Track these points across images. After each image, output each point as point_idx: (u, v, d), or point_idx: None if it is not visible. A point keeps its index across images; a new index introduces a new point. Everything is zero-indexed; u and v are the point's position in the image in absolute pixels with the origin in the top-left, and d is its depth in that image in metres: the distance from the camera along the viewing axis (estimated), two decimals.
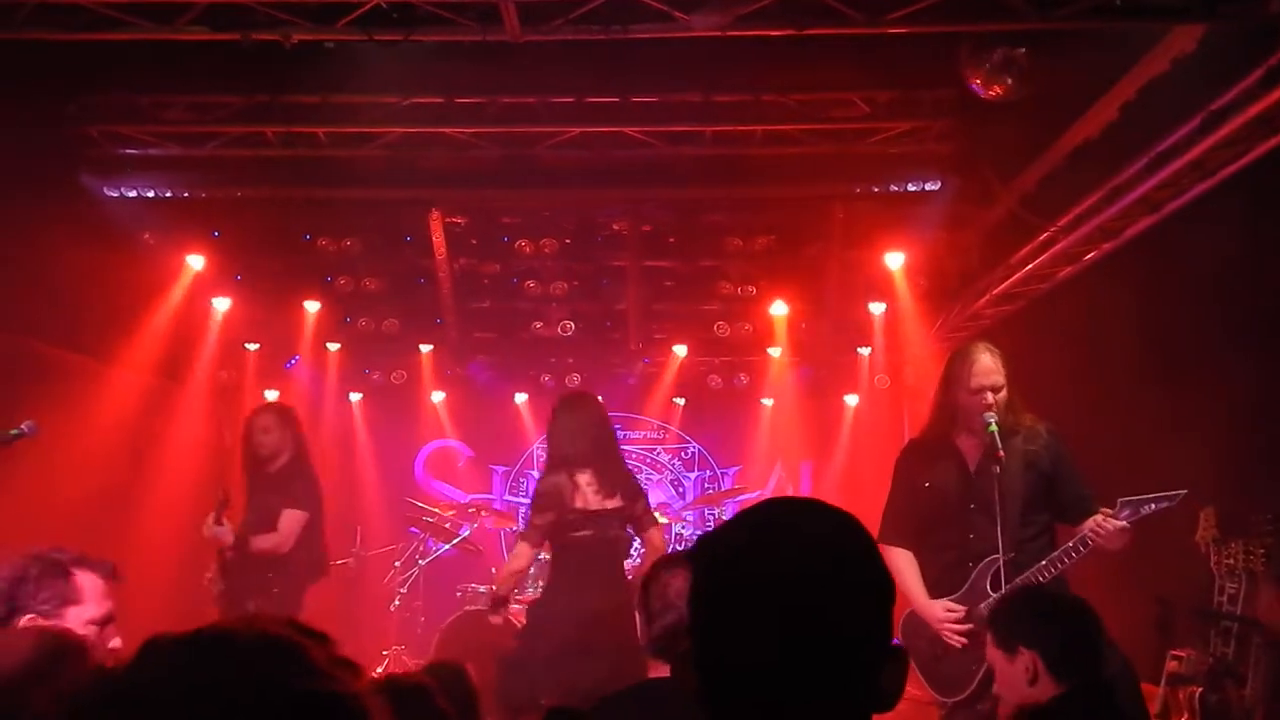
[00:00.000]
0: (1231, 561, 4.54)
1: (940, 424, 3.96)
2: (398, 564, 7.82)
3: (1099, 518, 3.64)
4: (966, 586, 3.76)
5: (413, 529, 7.89)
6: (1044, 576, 3.65)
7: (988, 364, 3.79)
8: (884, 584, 1.20)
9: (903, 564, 3.81)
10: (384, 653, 7.27)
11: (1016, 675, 2.59)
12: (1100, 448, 5.89)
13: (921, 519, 3.91)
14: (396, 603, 7.48)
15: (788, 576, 1.16)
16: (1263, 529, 4.38)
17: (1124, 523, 3.58)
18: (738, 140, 5.95)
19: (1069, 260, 5.90)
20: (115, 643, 2.41)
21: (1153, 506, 3.61)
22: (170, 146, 5.93)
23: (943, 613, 3.72)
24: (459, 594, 7.51)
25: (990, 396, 3.75)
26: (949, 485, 3.87)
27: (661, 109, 5.75)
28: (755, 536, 1.22)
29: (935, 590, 3.80)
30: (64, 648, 2.03)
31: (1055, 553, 3.70)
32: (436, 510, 8.21)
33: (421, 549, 7.74)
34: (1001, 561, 3.63)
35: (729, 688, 1.16)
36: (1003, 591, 3.55)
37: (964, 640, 3.67)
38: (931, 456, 3.95)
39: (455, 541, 7.60)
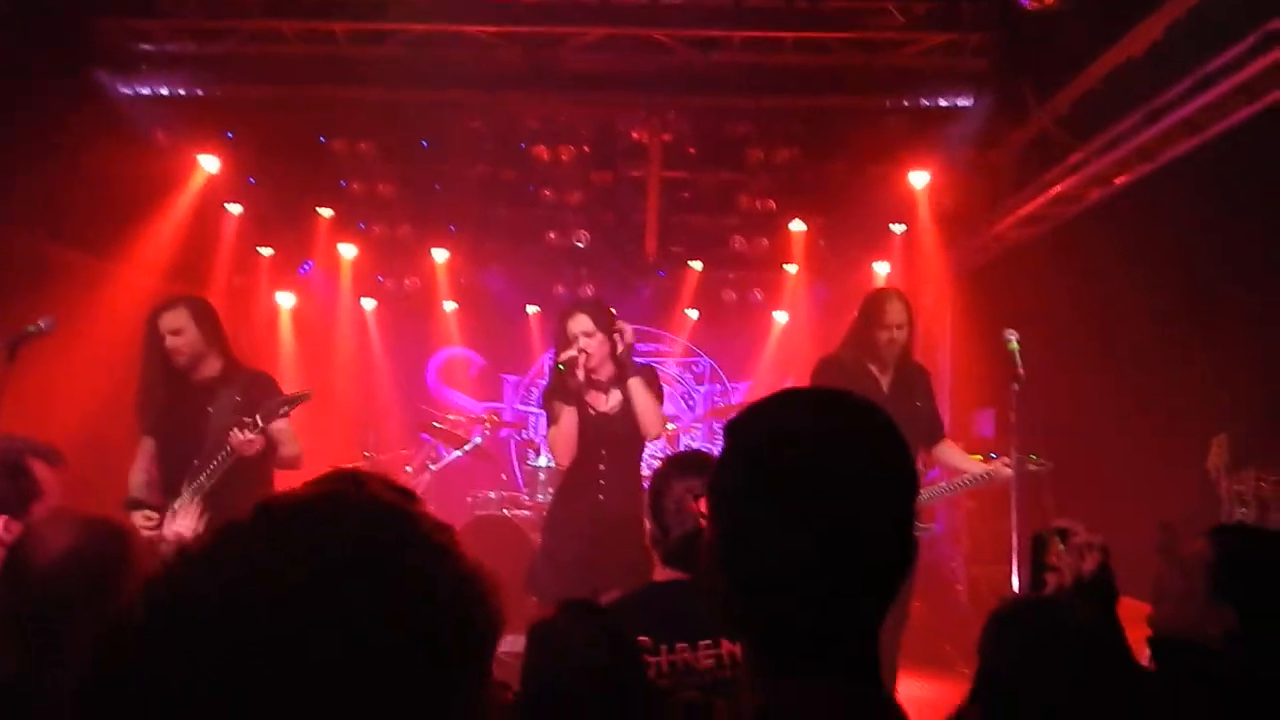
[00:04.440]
0: (1242, 488, 4.58)
1: (853, 349, 4.61)
2: (409, 469, 7.88)
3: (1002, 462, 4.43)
4: None
5: (424, 435, 7.93)
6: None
7: (897, 309, 4.53)
8: (917, 481, 1.19)
9: None
10: None
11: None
12: (1114, 374, 5.90)
13: None
14: None
15: (851, 468, 1.12)
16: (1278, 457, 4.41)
17: (1010, 472, 4.33)
18: (767, 47, 5.78)
19: (1100, 183, 5.81)
20: None
21: (1032, 468, 4.43)
22: (185, 43, 5.78)
23: None
24: (470, 500, 7.60)
25: (898, 334, 4.50)
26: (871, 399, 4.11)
27: (690, 12, 5.58)
28: (814, 426, 1.16)
29: None
30: (120, 532, 2.01)
31: (958, 479, 4.59)
32: (449, 417, 8.25)
33: (433, 455, 7.79)
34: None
35: (768, 586, 1.12)
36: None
37: None
38: (850, 375, 4.42)
39: (467, 448, 7.64)
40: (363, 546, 0.75)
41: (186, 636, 0.69)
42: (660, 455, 9.06)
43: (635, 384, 4.29)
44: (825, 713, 1.09)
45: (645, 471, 4.51)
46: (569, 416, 4.29)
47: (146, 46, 5.81)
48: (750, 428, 1.19)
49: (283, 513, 0.77)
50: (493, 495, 7.59)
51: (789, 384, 9.43)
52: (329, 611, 0.70)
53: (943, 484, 4.64)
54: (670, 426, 8.46)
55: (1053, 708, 1.67)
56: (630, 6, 5.54)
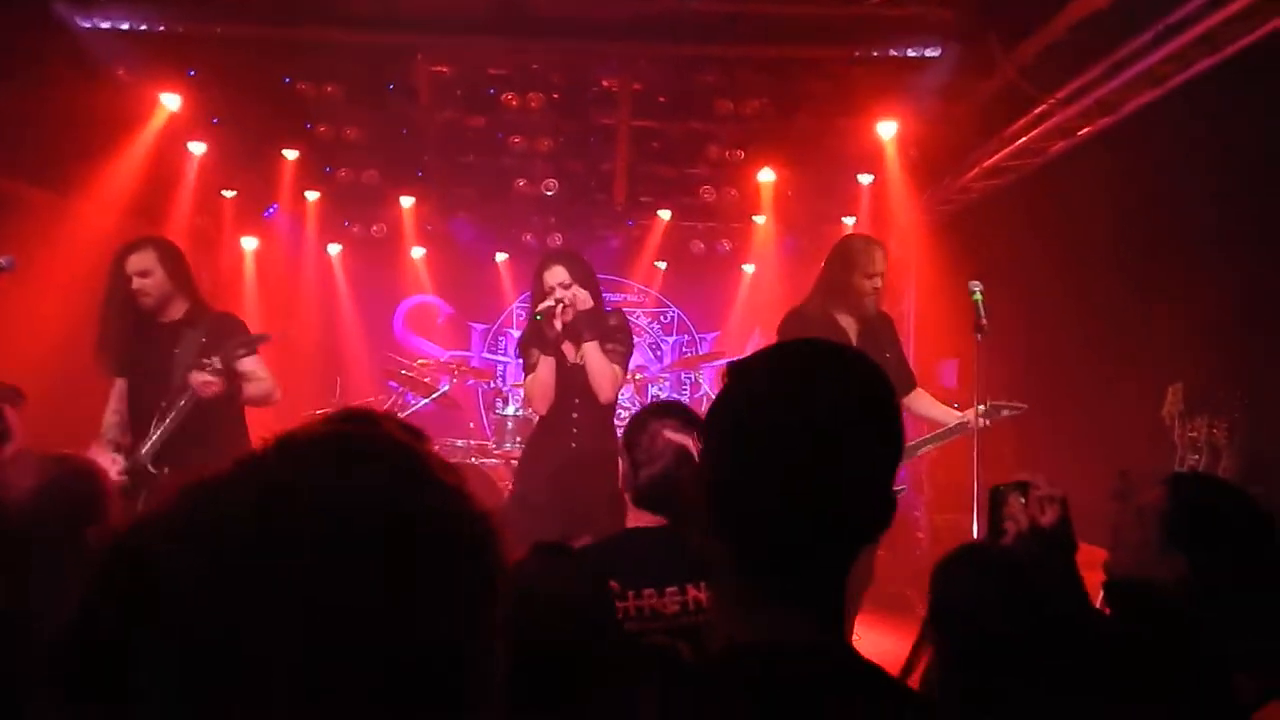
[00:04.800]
0: (1195, 435, 4.70)
1: (823, 299, 4.52)
2: None
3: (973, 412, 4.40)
4: None
5: (391, 383, 7.94)
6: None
7: (880, 257, 4.48)
8: (899, 439, 1.24)
9: None
10: None
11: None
12: (1076, 325, 6.02)
13: None
14: None
15: (840, 416, 1.17)
16: (1232, 405, 4.53)
17: (986, 422, 4.32)
18: None
19: (1063, 135, 5.86)
20: None
21: (1006, 413, 4.45)
22: None
23: None
24: (437, 448, 7.55)
25: (879, 282, 4.46)
26: None
27: None
28: (806, 374, 1.22)
29: None
30: (89, 469, 2.02)
31: (931, 435, 4.60)
32: (417, 363, 8.24)
33: (400, 403, 7.80)
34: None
35: (749, 529, 1.17)
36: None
37: None
38: (817, 328, 4.30)
39: (434, 396, 7.66)
40: (380, 486, 0.75)
41: (198, 565, 0.68)
42: (628, 404, 9.18)
43: (591, 348, 4.34)
44: (785, 643, 1.15)
45: (615, 422, 4.58)
46: (546, 365, 4.36)
47: None
48: (741, 381, 1.24)
49: (300, 449, 0.77)
50: (460, 444, 7.62)
51: (756, 335, 9.54)
52: (344, 551, 0.70)
53: (915, 441, 4.58)
54: (638, 376, 8.51)
55: (1004, 648, 1.71)
56: None
